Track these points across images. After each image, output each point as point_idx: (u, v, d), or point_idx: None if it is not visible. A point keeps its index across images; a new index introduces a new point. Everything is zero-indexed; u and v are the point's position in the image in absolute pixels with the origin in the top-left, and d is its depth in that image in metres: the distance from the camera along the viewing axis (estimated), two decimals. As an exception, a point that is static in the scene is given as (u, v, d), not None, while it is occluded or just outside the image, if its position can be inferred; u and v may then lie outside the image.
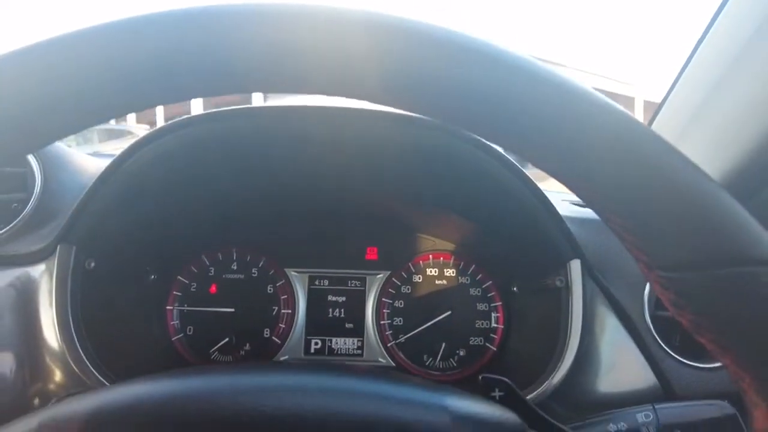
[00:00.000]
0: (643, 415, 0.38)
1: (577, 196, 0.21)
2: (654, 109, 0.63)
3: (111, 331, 0.47)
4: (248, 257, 0.59)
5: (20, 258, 0.46)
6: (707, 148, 0.55)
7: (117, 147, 1.01)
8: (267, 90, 0.19)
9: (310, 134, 0.48)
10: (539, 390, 0.45)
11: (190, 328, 0.58)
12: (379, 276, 0.60)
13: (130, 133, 3.55)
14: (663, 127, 0.60)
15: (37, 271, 0.45)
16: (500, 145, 0.24)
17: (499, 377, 0.31)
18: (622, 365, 0.49)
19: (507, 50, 0.19)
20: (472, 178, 0.49)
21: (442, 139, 0.45)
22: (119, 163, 0.44)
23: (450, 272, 0.60)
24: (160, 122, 0.73)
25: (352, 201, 0.58)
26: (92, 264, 0.45)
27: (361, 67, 0.18)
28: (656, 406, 0.38)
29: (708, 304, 0.21)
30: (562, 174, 0.21)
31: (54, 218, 0.49)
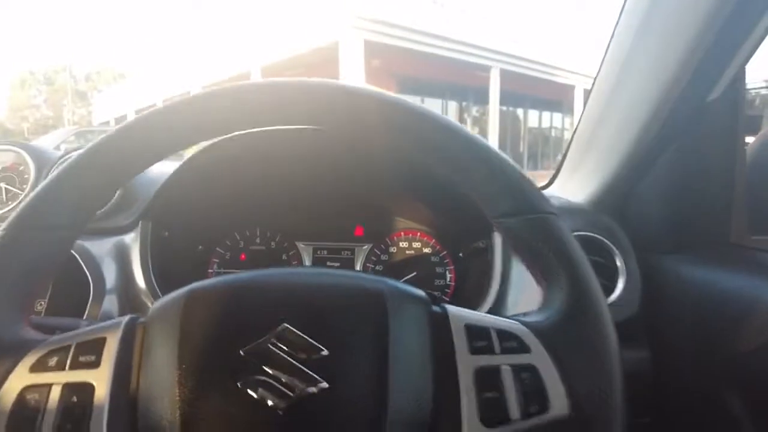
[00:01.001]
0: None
1: (453, 179, 0.41)
2: None
3: (175, 280, 0.68)
4: (268, 233, 0.81)
5: (117, 229, 0.67)
6: (600, 160, 0.76)
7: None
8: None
9: (315, 144, 0.69)
10: None
11: None
12: (364, 247, 0.81)
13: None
14: (575, 146, 0.81)
15: (129, 238, 0.67)
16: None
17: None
18: (530, 303, 0.69)
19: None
20: (424, 175, 0.70)
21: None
22: (186, 164, 0.65)
23: (417, 245, 0.81)
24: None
25: (345, 192, 0.80)
26: (166, 233, 0.67)
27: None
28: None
29: (523, 237, 0.36)
30: (444, 169, 0.40)
31: (134, 201, 0.70)
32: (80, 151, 0.37)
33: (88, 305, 0.61)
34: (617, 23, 0.67)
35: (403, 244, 0.81)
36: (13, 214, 0.35)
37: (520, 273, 0.69)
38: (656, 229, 0.72)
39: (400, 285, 0.37)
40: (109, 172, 0.37)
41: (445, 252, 0.80)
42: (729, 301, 0.59)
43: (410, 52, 9.33)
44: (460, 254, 0.78)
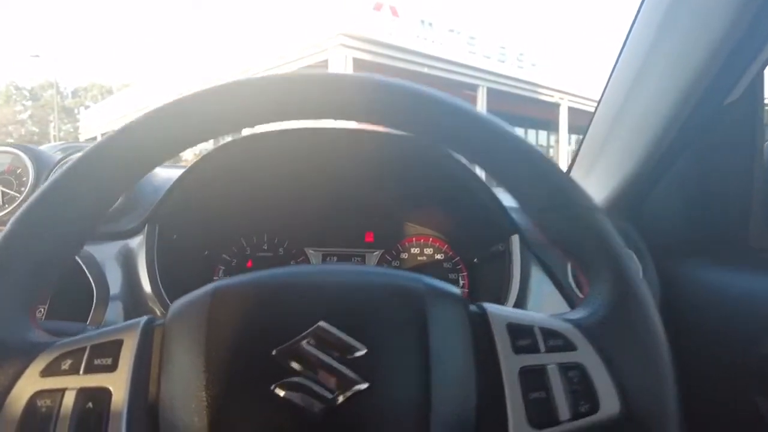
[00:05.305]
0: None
1: (490, 176, 0.40)
2: (577, 116, 0.82)
3: (180, 286, 0.66)
4: (276, 239, 0.78)
5: (121, 234, 0.65)
6: (616, 162, 0.75)
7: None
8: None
9: (324, 149, 0.68)
10: None
11: None
12: (375, 254, 0.79)
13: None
14: (588, 146, 0.81)
15: (134, 242, 0.64)
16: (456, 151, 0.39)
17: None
18: (551, 309, 0.68)
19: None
20: (439, 179, 0.69)
21: (419, 151, 0.65)
22: (194, 167, 0.63)
23: (428, 251, 0.79)
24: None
25: (355, 198, 0.78)
26: (174, 236, 0.64)
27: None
28: None
29: (563, 233, 0.36)
30: (483, 165, 0.38)
31: (138, 205, 0.68)
32: (98, 141, 0.35)
33: (92, 311, 0.58)
34: (632, 26, 0.67)
35: (415, 250, 0.79)
36: (23, 207, 0.33)
37: (539, 279, 0.67)
38: (673, 233, 0.71)
39: (438, 282, 0.35)
40: (130, 162, 0.35)
41: (457, 258, 0.78)
42: (750, 305, 0.58)
43: (399, 71, 9.43)
44: (475, 260, 0.76)
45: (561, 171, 0.37)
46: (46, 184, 0.34)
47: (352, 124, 0.53)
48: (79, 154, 0.34)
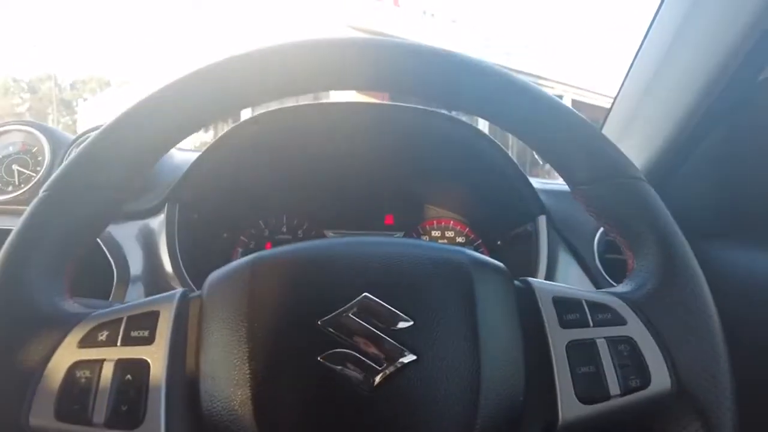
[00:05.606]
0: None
1: (529, 145, 0.38)
2: (581, 108, 0.80)
3: (201, 266, 0.64)
4: (295, 221, 0.77)
5: (140, 213, 0.63)
6: (643, 137, 0.74)
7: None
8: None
9: (344, 126, 0.66)
10: None
11: None
12: (395, 236, 0.78)
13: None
14: (614, 120, 0.79)
15: (155, 222, 0.63)
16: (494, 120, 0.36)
17: None
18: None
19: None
20: (465, 158, 0.67)
21: (443, 126, 0.64)
22: (214, 146, 0.62)
23: (449, 233, 0.78)
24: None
25: (375, 180, 0.76)
26: (196, 216, 0.63)
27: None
28: None
29: (608, 205, 0.35)
30: (522, 134, 0.37)
31: (156, 185, 0.66)
32: (135, 102, 0.33)
33: (113, 291, 0.57)
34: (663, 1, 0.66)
35: (436, 233, 0.78)
36: (57, 172, 0.32)
37: (566, 261, 0.66)
38: (701, 211, 0.70)
39: (482, 256, 0.34)
40: (169, 124, 0.34)
41: (479, 241, 0.77)
42: None
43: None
44: (498, 242, 0.75)
45: (605, 138, 0.35)
46: (84, 144, 0.32)
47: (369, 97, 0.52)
48: (126, 108, 0.33)
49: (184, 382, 0.29)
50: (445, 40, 9.65)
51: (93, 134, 0.33)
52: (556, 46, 11.71)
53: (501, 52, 10.75)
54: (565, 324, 0.31)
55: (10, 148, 0.68)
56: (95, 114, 21.49)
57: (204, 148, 0.62)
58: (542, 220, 0.64)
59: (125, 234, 0.62)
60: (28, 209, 0.31)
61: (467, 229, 0.78)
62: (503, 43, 10.87)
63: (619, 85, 0.76)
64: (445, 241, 0.78)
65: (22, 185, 0.66)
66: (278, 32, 9.74)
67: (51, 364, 0.28)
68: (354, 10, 8.41)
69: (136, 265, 0.60)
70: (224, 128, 0.62)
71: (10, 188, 0.66)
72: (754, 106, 0.63)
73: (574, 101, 11.68)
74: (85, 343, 0.29)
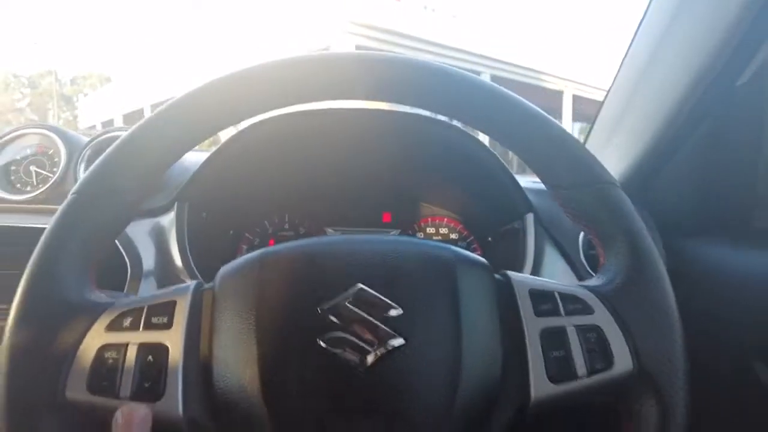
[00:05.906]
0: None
1: (512, 151, 0.42)
2: (581, 103, 0.84)
3: (208, 262, 0.68)
4: (296, 220, 0.81)
5: (151, 211, 0.67)
6: (627, 142, 0.78)
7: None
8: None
9: (344, 130, 0.70)
10: None
11: None
12: (392, 233, 0.81)
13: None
14: (603, 121, 0.83)
15: (166, 220, 0.66)
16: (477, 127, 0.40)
17: None
18: (563, 284, 0.70)
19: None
20: (458, 161, 0.71)
21: (438, 131, 0.68)
22: (223, 147, 0.65)
23: (444, 230, 0.82)
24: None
25: (373, 180, 0.80)
26: (204, 215, 0.67)
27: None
28: None
29: (584, 207, 0.38)
30: (506, 142, 0.40)
31: (166, 186, 0.70)
32: (153, 113, 0.37)
33: (126, 286, 0.61)
34: (649, 5, 0.69)
35: (431, 230, 0.82)
36: (85, 176, 0.36)
37: (552, 256, 0.70)
38: (681, 211, 0.74)
39: (466, 252, 0.38)
40: (183, 134, 0.37)
41: (472, 237, 0.81)
42: (753, 282, 0.60)
43: (401, 58, 9.36)
44: (489, 238, 0.78)
45: (581, 145, 0.39)
46: (107, 151, 0.36)
47: (370, 105, 0.56)
48: (131, 129, 0.37)
49: (199, 362, 0.33)
50: (446, 35, 9.64)
51: (115, 143, 0.37)
52: (556, 42, 11.66)
53: (502, 48, 10.73)
54: (539, 313, 0.35)
55: (27, 151, 0.72)
56: (96, 109, 21.44)
57: (212, 151, 0.66)
58: (530, 218, 0.68)
59: (138, 231, 0.66)
60: (58, 211, 0.35)
61: (460, 226, 0.82)
62: (504, 39, 10.84)
63: (607, 90, 0.79)
64: (440, 237, 0.82)
65: (40, 185, 0.70)
66: (280, 29, 9.72)
67: (82, 347, 0.32)
68: (355, 5, 8.39)
69: (148, 260, 0.64)
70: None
71: (28, 188, 0.70)
72: (733, 110, 0.66)
73: (574, 96, 11.68)
74: (112, 328, 0.33)
